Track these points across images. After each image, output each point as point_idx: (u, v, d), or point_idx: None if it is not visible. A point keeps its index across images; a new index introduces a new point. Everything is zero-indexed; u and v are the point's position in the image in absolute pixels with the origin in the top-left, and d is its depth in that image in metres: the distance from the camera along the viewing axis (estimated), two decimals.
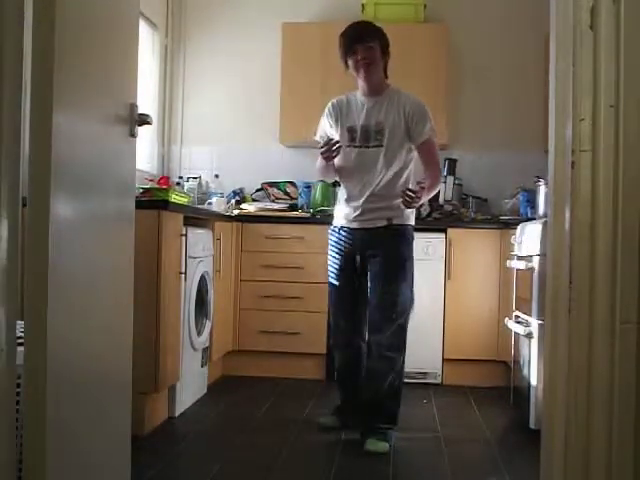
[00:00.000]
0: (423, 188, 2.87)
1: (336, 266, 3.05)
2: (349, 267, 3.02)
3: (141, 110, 2.07)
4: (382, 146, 2.94)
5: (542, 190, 4.01)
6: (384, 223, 2.94)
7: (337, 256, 3.05)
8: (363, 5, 4.62)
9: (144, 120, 2.07)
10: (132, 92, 2.06)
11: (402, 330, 2.94)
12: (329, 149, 2.88)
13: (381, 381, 2.91)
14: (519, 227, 3.52)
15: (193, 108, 5.01)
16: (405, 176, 2.98)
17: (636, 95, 1.45)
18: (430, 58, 4.48)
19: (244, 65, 4.92)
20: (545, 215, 3.39)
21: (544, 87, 3.46)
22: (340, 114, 3.05)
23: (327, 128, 3.09)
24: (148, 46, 4.70)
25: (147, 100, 4.62)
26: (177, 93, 5.02)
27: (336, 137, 3.00)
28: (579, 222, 1.53)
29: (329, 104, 3.11)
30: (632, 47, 1.45)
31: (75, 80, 1.68)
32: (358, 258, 2.99)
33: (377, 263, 2.93)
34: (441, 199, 4.44)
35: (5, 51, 1.43)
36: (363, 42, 2.90)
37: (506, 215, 4.37)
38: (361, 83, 3.00)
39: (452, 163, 4.54)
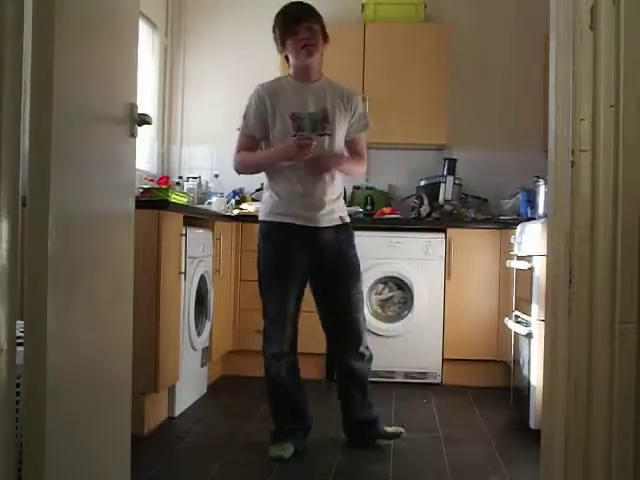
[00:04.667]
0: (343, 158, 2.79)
1: (279, 268, 2.75)
2: (296, 269, 2.76)
3: (141, 110, 2.07)
4: (330, 135, 2.75)
5: (542, 190, 4.01)
6: (339, 222, 2.80)
7: (281, 256, 2.74)
8: (363, 5, 4.62)
9: (144, 120, 2.07)
10: (132, 92, 2.06)
11: (365, 324, 2.90)
12: (306, 146, 2.62)
13: (366, 381, 2.88)
14: (519, 227, 3.52)
15: (193, 108, 5.01)
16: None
17: (636, 95, 1.45)
18: (430, 58, 4.48)
19: (244, 65, 4.91)
20: (545, 215, 3.39)
21: (544, 87, 3.47)
22: (277, 100, 2.75)
23: (256, 114, 2.77)
24: (148, 46, 4.70)
25: (147, 100, 4.62)
26: (177, 93, 5.02)
27: (274, 124, 2.74)
28: (579, 222, 1.53)
29: (258, 87, 2.81)
30: (632, 47, 1.45)
31: (75, 80, 1.68)
32: (307, 259, 2.75)
33: (336, 264, 2.78)
34: (441, 199, 4.44)
35: (5, 51, 1.43)
36: (306, 23, 2.69)
37: (506, 215, 4.38)
38: (299, 66, 2.77)
39: (452, 163, 4.54)
